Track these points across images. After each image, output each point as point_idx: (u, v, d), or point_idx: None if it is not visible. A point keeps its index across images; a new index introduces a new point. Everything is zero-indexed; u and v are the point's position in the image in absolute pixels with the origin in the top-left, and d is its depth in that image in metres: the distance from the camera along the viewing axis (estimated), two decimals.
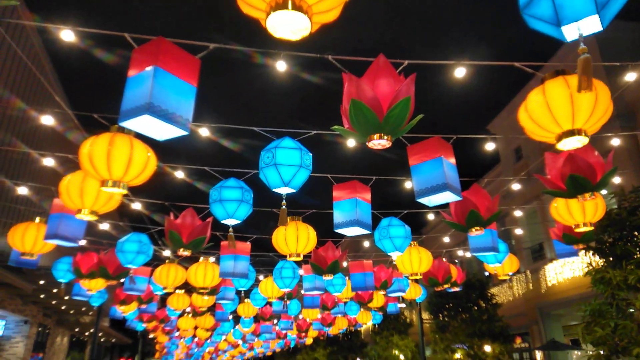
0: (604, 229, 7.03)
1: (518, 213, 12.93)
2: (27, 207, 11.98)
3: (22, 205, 12.09)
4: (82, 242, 6.51)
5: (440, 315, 15.67)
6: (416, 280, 9.22)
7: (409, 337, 20.77)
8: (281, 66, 4.19)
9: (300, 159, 4.10)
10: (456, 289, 9.27)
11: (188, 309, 12.08)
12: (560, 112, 2.98)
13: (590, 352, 7.38)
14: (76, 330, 27.26)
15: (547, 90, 3.05)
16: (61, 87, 16.15)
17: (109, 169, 3.53)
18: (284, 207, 4.67)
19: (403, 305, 17.94)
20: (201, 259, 8.10)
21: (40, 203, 11.40)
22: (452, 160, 4.27)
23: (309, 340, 23.10)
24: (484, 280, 15.63)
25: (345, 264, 8.77)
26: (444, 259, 8.98)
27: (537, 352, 16.75)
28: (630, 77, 5.11)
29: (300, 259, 5.93)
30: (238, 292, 10.85)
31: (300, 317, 15.42)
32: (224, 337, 21.10)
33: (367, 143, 3.15)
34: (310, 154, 4.26)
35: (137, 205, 7.76)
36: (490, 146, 6.43)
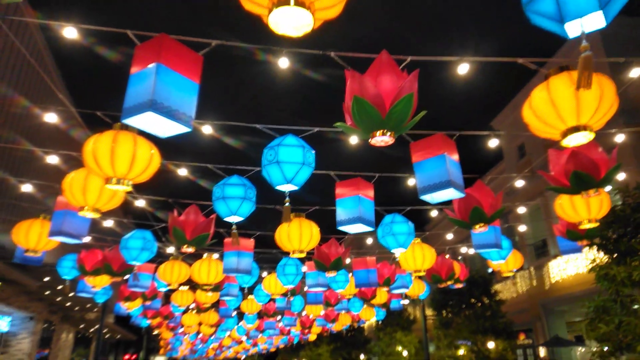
0: (608, 225, 7.00)
1: (521, 210, 12.89)
2: (31, 205, 12.03)
3: (26, 202, 12.15)
4: (87, 239, 6.55)
5: (444, 311, 15.67)
6: (419, 277, 9.22)
7: (412, 334, 20.79)
8: (283, 63, 4.18)
9: (302, 157, 4.10)
10: (459, 285, 9.27)
11: (192, 306, 12.14)
12: (565, 108, 2.96)
13: (594, 349, 7.37)
14: (81, 326, 27.43)
15: (552, 86, 3.03)
16: (64, 85, 16.18)
17: (113, 167, 3.53)
18: (287, 204, 4.68)
19: (406, 301, 17.95)
20: (205, 255, 8.12)
21: (44, 200, 11.45)
22: (455, 157, 4.26)
23: (312, 337, 23.16)
24: (487, 276, 15.62)
25: (348, 260, 8.77)
26: (447, 256, 8.98)
27: (540, 348, 16.75)
28: (634, 73, 5.07)
29: (303, 255, 5.94)
30: (242, 289, 10.88)
31: (304, 313, 15.46)
32: (227, 333, 21.19)
33: (369, 140, 3.15)
34: (313, 152, 4.26)
35: (141, 203, 7.79)
36: (493, 143, 6.40)
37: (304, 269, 8.87)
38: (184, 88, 2.91)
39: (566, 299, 15.03)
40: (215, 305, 12.97)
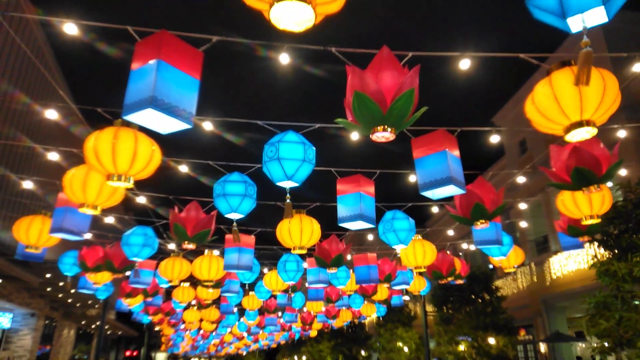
0: (609, 221, 7.00)
1: (523, 206, 12.88)
2: (32, 201, 12.05)
3: (27, 199, 12.16)
4: (88, 236, 6.55)
5: (445, 307, 15.69)
6: (420, 273, 9.23)
7: (413, 330, 20.83)
8: (284, 59, 4.16)
9: (303, 153, 4.09)
10: (460, 281, 9.27)
11: (193, 302, 12.16)
12: (568, 104, 2.95)
13: (595, 344, 7.38)
14: (83, 323, 27.51)
15: (554, 82, 3.01)
16: (64, 81, 16.16)
17: (114, 163, 3.53)
18: (288, 200, 4.68)
19: (407, 297, 17.98)
20: (206, 252, 8.13)
21: (45, 197, 11.46)
22: (457, 153, 4.25)
23: (313, 333, 23.21)
24: (488, 272, 15.63)
25: (349, 257, 8.78)
26: (448, 252, 8.98)
27: (541, 344, 16.78)
28: (637, 68, 5.04)
29: (304, 252, 5.94)
30: (243, 285, 10.90)
31: (305, 309, 15.49)
32: (229, 330, 21.24)
33: (370, 136, 3.14)
34: (314, 148, 4.25)
35: (142, 199, 7.79)
36: (495, 139, 6.38)
37: (305, 265, 8.88)
38: (184, 84, 2.90)
39: (567, 294, 15.05)
40: (217, 301, 12.99)
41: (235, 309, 15.54)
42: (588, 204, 4.90)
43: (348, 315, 15.94)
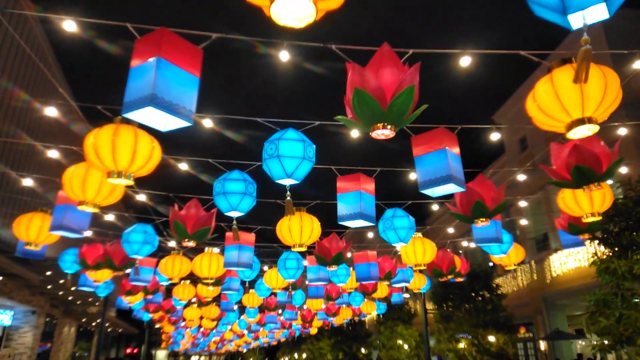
0: (610, 218, 7.00)
1: (523, 203, 12.89)
2: (33, 199, 12.05)
3: (27, 196, 12.16)
4: (88, 234, 6.55)
5: (444, 305, 15.70)
6: (420, 271, 9.23)
7: (413, 327, 20.86)
8: (284, 56, 4.15)
9: (303, 151, 4.08)
10: (460, 279, 9.28)
11: (193, 299, 12.17)
12: (569, 101, 2.94)
13: (595, 342, 7.39)
14: (83, 320, 27.56)
15: (555, 79, 3.00)
16: (64, 79, 16.14)
17: (114, 160, 3.52)
18: (288, 198, 4.67)
19: (407, 295, 17.98)
20: (206, 249, 8.13)
21: (46, 195, 11.46)
22: (457, 151, 4.24)
23: (313, 330, 23.24)
24: (489, 270, 15.63)
25: (349, 254, 8.78)
26: (448, 250, 8.98)
27: (541, 342, 16.80)
28: (637, 65, 5.04)
29: (304, 249, 5.94)
30: (243, 283, 10.91)
31: (305, 307, 15.51)
32: (229, 327, 21.26)
33: (370, 133, 3.13)
34: (314, 146, 4.24)
35: (142, 197, 7.79)
36: (495, 136, 6.38)
37: (305, 263, 8.88)
38: (184, 82, 2.89)
39: (567, 292, 15.06)
40: (217, 299, 13.01)
41: (235, 307, 15.56)
42: (589, 202, 4.89)
43: (348, 313, 15.96)
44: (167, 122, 2.90)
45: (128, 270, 8.20)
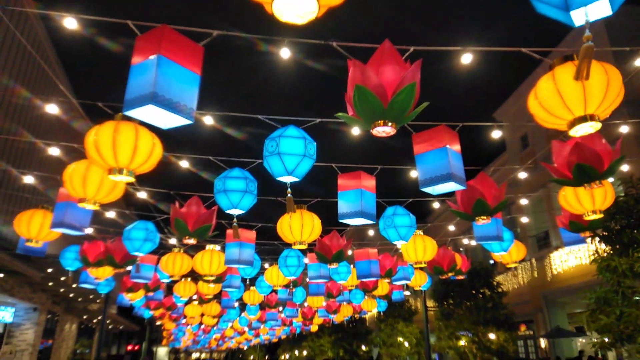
0: (611, 216, 6.98)
1: (524, 201, 12.87)
2: (34, 196, 12.07)
3: (28, 194, 12.18)
4: (89, 231, 6.57)
5: (445, 303, 15.71)
6: (421, 269, 9.23)
7: (413, 325, 20.88)
8: (285, 53, 4.14)
9: (304, 148, 4.08)
10: (461, 277, 9.28)
11: (194, 297, 12.19)
12: (571, 98, 2.93)
13: (595, 340, 7.39)
14: (84, 317, 27.62)
15: (557, 76, 2.99)
16: (65, 76, 16.13)
17: (115, 157, 3.52)
18: (289, 195, 4.67)
19: (408, 293, 18.01)
20: (207, 247, 8.14)
21: (46, 192, 11.47)
22: (457, 149, 4.23)
23: (314, 328, 23.28)
24: (489, 268, 15.63)
25: (350, 252, 8.79)
26: (449, 247, 8.98)
27: (541, 339, 16.81)
28: (639, 62, 5.02)
29: (305, 247, 5.94)
30: (244, 280, 10.93)
31: (306, 304, 15.53)
32: (230, 324, 21.33)
33: (371, 130, 3.12)
34: (315, 143, 4.24)
35: (142, 194, 7.79)
36: (496, 134, 6.36)
37: (306, 260, 8.89)
38: (185, 79, 2.89)
39: (567, 290, 15.06)
40: (218, 296, 13.03)
41: (236, 304, 15.60)
42: (590, 200, 4.88)
43: (349, 310, 15.98)
44: (168, 120, 2.89)
45: (129, 268, 8.22)
